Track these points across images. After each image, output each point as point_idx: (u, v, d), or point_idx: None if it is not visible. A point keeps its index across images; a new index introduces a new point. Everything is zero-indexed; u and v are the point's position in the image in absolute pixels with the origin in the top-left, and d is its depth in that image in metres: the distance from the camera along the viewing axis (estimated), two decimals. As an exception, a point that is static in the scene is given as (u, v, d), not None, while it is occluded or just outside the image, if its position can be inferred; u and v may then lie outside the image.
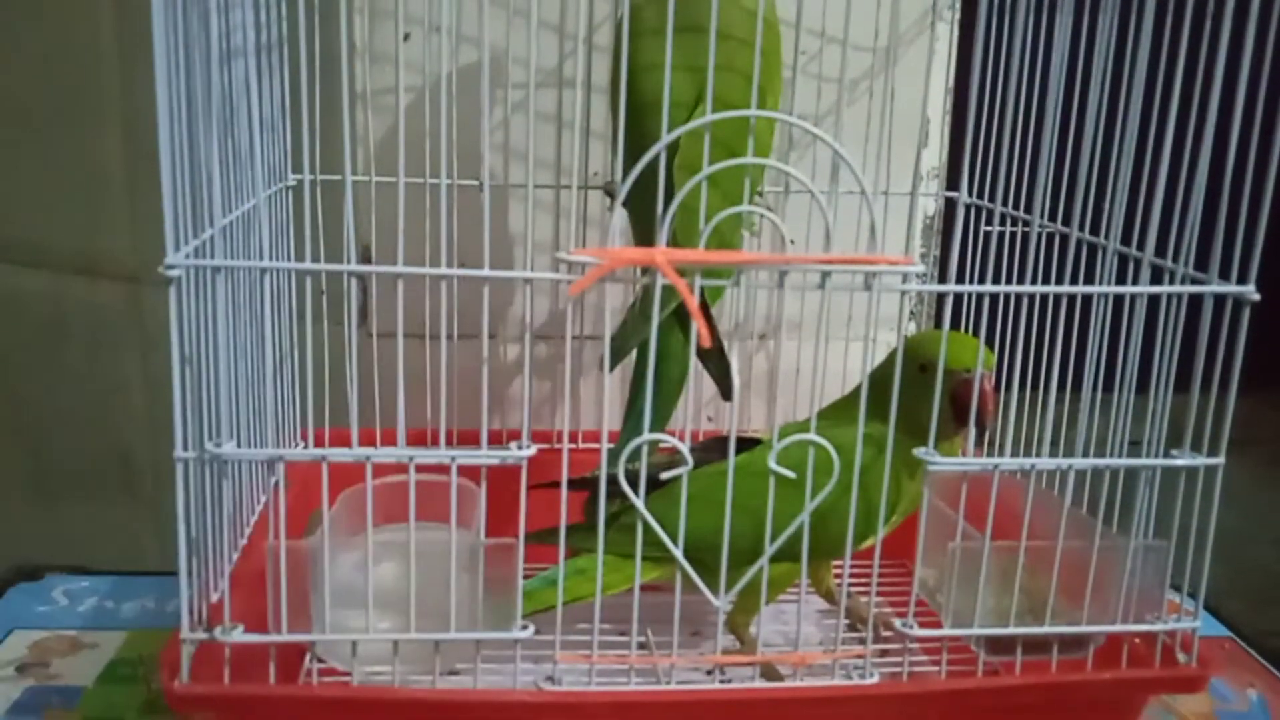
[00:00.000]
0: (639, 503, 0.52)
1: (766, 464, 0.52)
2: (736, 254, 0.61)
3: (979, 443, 0.59)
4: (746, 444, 0.62)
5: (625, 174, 0.65)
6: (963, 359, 0.61)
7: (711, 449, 0.62)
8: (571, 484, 0.53)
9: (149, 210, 0.49)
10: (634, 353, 0.69)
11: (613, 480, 0.52)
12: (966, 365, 0.60)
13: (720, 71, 0.53)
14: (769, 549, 0.53)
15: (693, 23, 0.53)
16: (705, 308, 0.68)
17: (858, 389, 0.55)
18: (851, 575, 0.60)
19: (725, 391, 0.71)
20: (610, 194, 0.76)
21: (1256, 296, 0.54)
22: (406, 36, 0.77)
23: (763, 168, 0.63)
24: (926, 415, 0.55)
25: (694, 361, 0.69)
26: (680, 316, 0.65)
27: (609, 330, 0.57)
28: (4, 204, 1.06)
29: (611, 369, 0.65)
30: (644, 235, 0.63)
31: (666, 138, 0.48)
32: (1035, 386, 0.62)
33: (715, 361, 0.70)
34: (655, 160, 0.48)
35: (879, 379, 0.55)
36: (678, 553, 0.52)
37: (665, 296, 0.50)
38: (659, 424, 0.68)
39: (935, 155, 0.90)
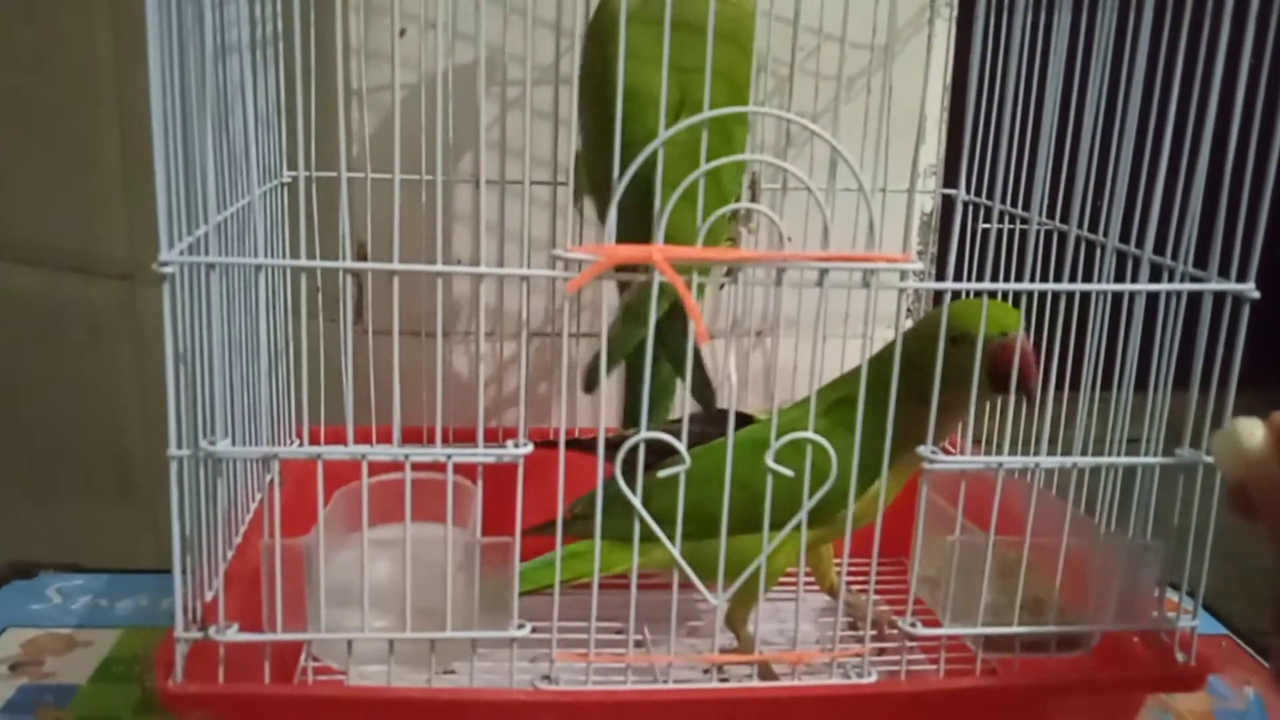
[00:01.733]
0: (635, 500, 0.52)
1: (758, 440, 0.52)
2: (734, 251, 0.61)
3: (1020, 407, 0.57)
4: (742, 421, 0.61)
5: (589, 170, 0.64)
6: (997, 325, 0.58)
7: (709, 422, 0.62)
8: (571, 444, 0.52)
9: (144, 207, 0.48)
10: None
11: (613, 444, 0.51)
12: (1004, 329, 0.57)
13: (698, 73, 0.52)
14: (766, 548, 0.53)
15: (669, 19, 0.53)
16: (684, 319, 0.67)
17: (865, 364, 0.54)
18: (852, 571, 0.60)
19: (706, 403, 0.70)
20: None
21: (1256, 294, 0.54)
22: (402, 33, 0.76)
23: (737, 166, 0.62)
24: (959, 389, 0.54)
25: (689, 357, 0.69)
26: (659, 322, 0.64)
27: (605, 328, 0.57)
28: (-1, 201, 1.06)
29: (591, 390, 0.64)
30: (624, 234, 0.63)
31: (661, 137, 0.48)
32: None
33: (695, 372, 0.69)
34: (624, 158, 0.48)
35: (879, 359, 0.55)
36: (674, 550, 0.52)
37: (644, 308, 0.50)
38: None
39: (933, 152, 0.90)
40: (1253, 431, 0.45)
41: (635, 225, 0.50)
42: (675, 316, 0.63)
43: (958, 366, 0.54)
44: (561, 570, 0.57)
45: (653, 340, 0.51)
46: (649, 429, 0.51)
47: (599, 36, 0.67)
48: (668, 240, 0.49)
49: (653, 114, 0.49)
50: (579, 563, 0.59)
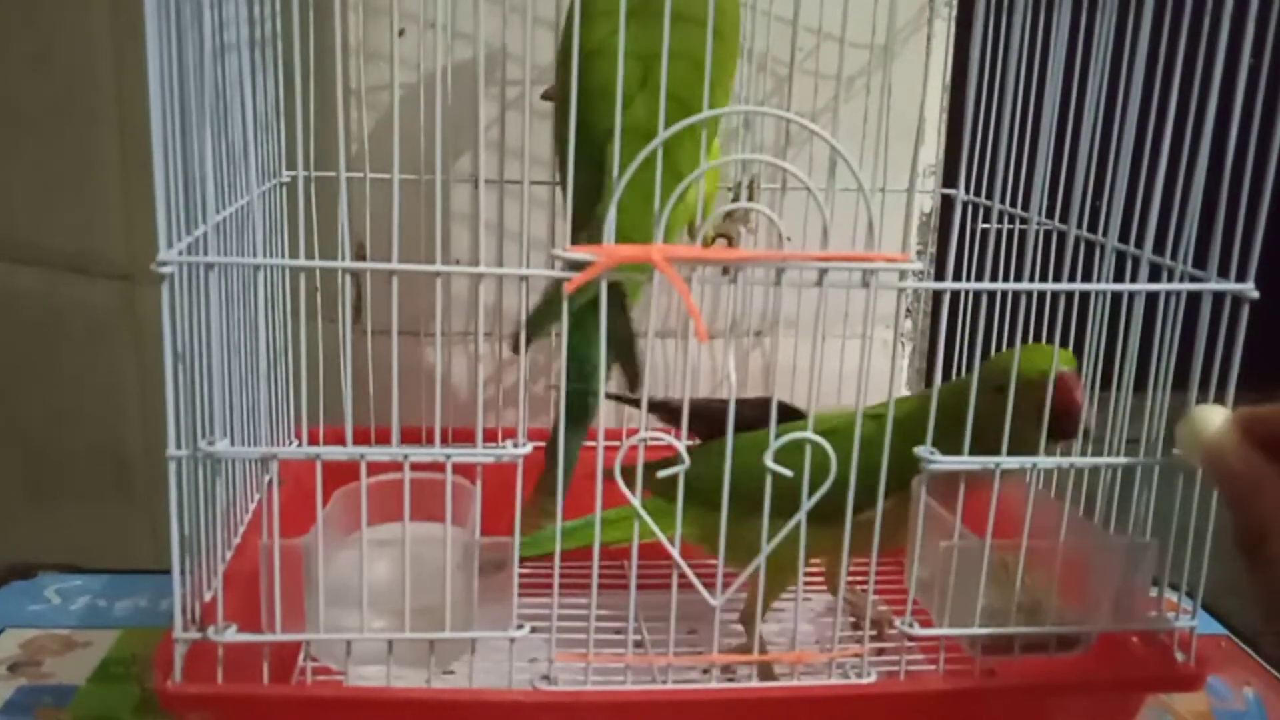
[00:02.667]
0: (636, 502, 0.52)
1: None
2: (734, 251, 0.61)
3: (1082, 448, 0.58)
4: (791, 413, 0.60)
5: (563, 156, 0.64)
6: (1038, 366, 0.57)
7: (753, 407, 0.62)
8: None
9: (143, 208, 0.49)
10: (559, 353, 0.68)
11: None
12: (1043, 370, 0.56)
13: (671, 59, 0.51)
14: (765, 543, 0.53)
15: (644, 6, 0.53)
16: (624, 304, 0.67)
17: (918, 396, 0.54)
18: (854, 572, 0.60)
19: (631, 383, 0.70)
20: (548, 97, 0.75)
21: (1255, 294, 0.54)
22: (401, 32, 0.76)
23: (698, 159, 0.62)
24: (1014, 437, 0.54)
25: (689, 356, 0.69)
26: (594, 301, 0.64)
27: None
28: (-3, 201, 1.06)
29: (522, 350, 0.64)
30: (580, 216, 0.63)
31: (662, 138, 0.48)
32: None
33: (626, 353, 0.68)
34: (597, 146, 0.48)
35: (947, 399, 0.55)
36: (675, 553, 0.52)
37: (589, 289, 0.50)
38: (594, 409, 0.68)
39: (932, 152, 0.90)
40: (1209, 417, 0.45)
41: (591, 208, 0.50)
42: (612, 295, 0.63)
43: (1001, 414, 0.54)
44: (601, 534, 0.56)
45: (592, 324, 0.51)
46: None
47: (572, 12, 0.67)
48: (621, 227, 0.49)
49: (616, 95, 0.49)
50: (616, 530, 0.57)
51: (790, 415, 0.55)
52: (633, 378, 0.68)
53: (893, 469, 0.53)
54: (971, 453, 0.53)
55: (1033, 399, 0.55)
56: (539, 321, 0.63)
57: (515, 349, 0.64)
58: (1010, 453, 0.54)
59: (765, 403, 0.59)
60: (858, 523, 0.54)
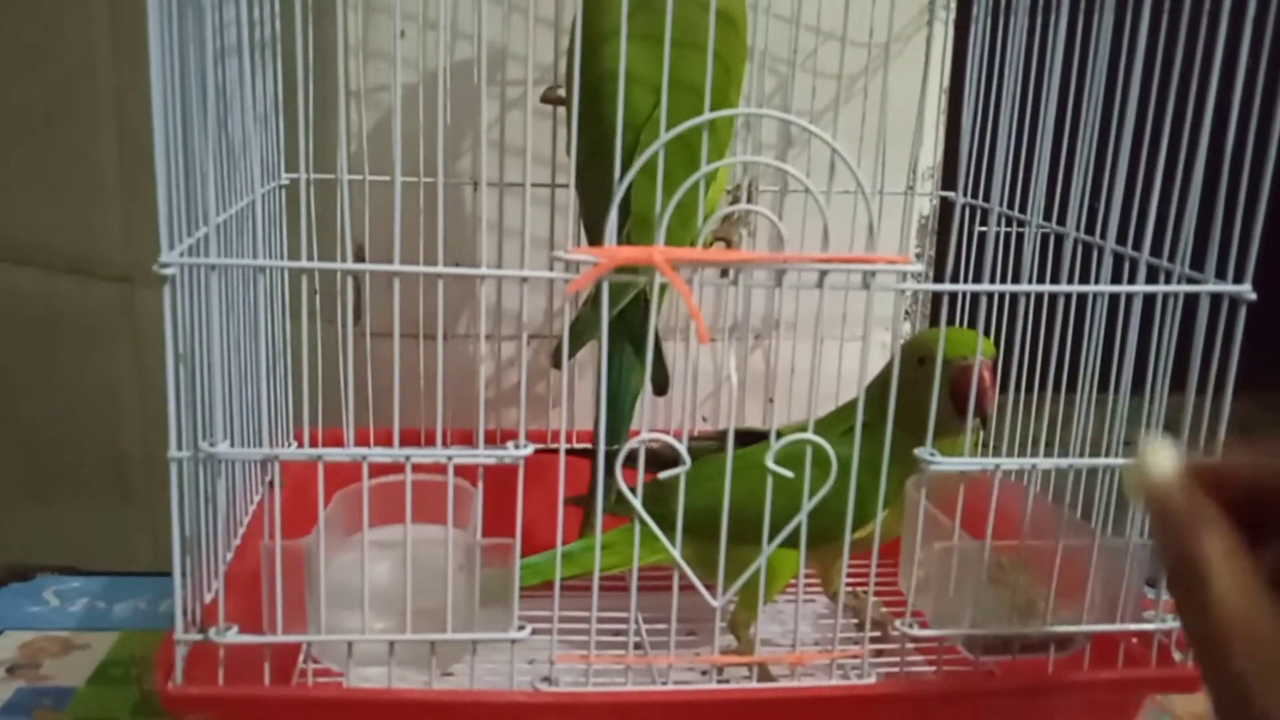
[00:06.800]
0: (637, 504, 0.52)
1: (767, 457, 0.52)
2: (735, 253, 0.61)
3: (981, 429, 0.60)
4: (755, 437, 0.62)
5: (578, 156, 0.65)
6: (960, 349, 0.60)
7: (720, 438, 0.63)
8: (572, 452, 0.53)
9: (142, 209, 0.49)
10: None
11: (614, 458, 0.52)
12: (964, 354, 0.60)
13: (684, 56, 0.52)
14: (767, 548, 0.53)
15: (656, 5, 0.53)
16: (646, 304, 0.68)
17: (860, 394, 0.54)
18: (853, 574, 0.60)
19: (658, 387, 0.70)
20: (548, 99, 0.75)
21: (1253, 296, 0.54)
22: (402, 34, 0.76)
23: (718, 146, 0.62)
24: (927, 410, 0.54)
25: (691, 362, 0.69)
26: (627, 317, 0.64)
27: (605, 330, 0.57)
28: (-3, 202, 1.06)
29: (558, 366, 0.65)
30: (593, 221, 0.63)
31: (662, 142, 0.48)
32: (1032, 387, 0.62)
33: (656, 360, 0.68)
34: (612, 152, 0.49)
35: (879, 380, 0.55)
36: (675, 552, 0.52)
37: (615, 294, 0.50)
38: (625, 425, 0.68)
39: (930, 155, 0.90)
40: (1158, 460, 0.41)
41: (603, 205, 0.50)
42: (638, 303, 0.64)
43: (920, 387, 0.57)
44: (565, 566, 0.57)
45: (620, 334, 0.51)
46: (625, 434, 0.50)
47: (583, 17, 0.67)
48: (637, 219, 0.49)
49: (635, 101, 0.49)
50: (610, 555, 0.58)
51: (751, 439, 0.56)
52: (657, 380, 0.69)
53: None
54: (904, 430, 0.54)
55: (947, 376, 0.58)
56: (577, 336, 0.63)
57: (556, 364, 0.65)
58: (924, 430, 0.55)
59: (720, 435, 0.60)
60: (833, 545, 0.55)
